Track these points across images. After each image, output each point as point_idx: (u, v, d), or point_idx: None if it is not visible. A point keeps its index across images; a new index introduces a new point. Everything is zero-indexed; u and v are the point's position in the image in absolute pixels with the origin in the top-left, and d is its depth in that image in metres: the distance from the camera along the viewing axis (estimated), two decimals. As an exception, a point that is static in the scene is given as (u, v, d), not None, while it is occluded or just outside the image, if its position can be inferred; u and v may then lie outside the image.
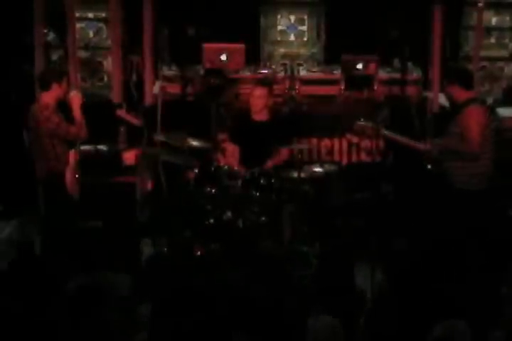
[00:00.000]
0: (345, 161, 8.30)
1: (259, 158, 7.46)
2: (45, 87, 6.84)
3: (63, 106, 6.95)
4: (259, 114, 7.56)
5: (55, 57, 9.15)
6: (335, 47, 9.46)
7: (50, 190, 6.88)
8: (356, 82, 8.81)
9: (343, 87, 8.86)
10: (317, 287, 5.41)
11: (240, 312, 4.92)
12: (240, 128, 7.66)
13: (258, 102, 7.50)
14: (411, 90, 8.87)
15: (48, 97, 6.82)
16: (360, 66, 8.83)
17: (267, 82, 7.85)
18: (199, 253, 6.78)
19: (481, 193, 6.77)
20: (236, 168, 7.40)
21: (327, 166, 7.64)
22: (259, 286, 5.28)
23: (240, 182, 7.26)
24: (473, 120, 6.65)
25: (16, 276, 5.36)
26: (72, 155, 6.88)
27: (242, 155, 7.58)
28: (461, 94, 6.74)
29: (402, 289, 5.52)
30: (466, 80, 6.79)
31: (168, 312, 4.76)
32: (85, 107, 8.22)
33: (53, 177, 6.80)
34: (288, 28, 9.86)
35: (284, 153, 7.59)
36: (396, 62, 9.10)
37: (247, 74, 8.99)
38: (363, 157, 8.29)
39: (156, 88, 8.35)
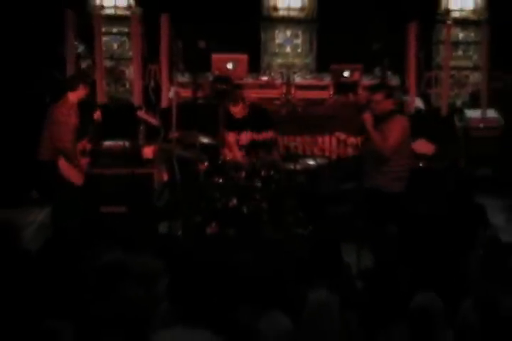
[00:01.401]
0: (334, 156, 8.22)
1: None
2: (72, 87, 6.83)
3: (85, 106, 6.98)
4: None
5: (84, 66, 9.12)
6: (325, 58, 9.47)
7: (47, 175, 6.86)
8: (343, 87, 8.81)
9: (332, 92, 8.85)
10: (312, 264, 5.32)
11: (245, 286, 4.87)
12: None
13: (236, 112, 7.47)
14: (391, 95, 8.82)
15: (73, 96, 6.86)
16: (346, 74, 8.84)
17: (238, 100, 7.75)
18: (210, 233, 6.73)
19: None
20: (239, 157, 7.37)
21: (319, 160, 7.67)
22: (263, 264, 5.22)
23: (243, 173, 7.23)
24: (398, 128, 6.45)
25: (50, 255, 5.30)
26: (81, 145, 6.86)
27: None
28: (387, 104, 6.56)
29: (385, 265, 5.49)
30: (390, 91, 6.68)
31: (183, 287, 4.70)
32: (111, 109, 8.24)
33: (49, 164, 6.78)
34: (285, 41, 9.88)
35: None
36: (377, 71, 9.06)
37: (249, 80, 8.96)
38: (350, 152, 8.23)
39: (171, 92, 8.31)
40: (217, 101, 8.08)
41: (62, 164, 6.80)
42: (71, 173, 6.83)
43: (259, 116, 7.57)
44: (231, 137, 7.52)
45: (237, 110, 7.45)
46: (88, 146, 7.06)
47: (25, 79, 7.73)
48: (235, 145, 7.52)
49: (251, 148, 7.38)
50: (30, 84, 7.45)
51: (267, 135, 7.46)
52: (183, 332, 3.88)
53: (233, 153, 7.50)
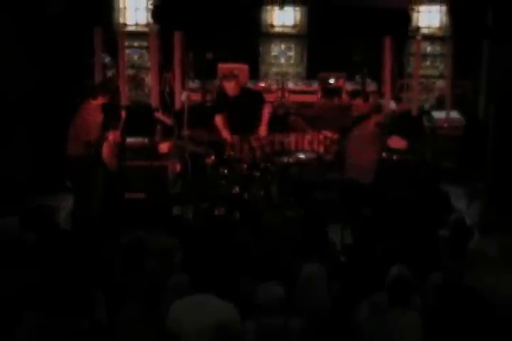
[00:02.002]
0: (321, 150, 8.19)
1: (246, 125, 7.35)
2: (93, 96, 6.85)
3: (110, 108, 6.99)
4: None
5: (109, 74, 9.08)
6: (314, 67, 9.45)
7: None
8: (329, 92, 8.80)
9: (319, 96, 8.82)
10: (303, 242, 5.31)
11: (246, 260, 4.87)
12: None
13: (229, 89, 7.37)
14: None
15: (94, 102, 6.84)
16: (332, 81, 8.84)
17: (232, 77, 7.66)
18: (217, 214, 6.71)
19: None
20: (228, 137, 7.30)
21: (308, 154, 7.62)
22: (261, 241, 5.22)
23: (245, 165, 7.25)
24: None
25: (83, 234, 5.29)
26: (112, 136, 6.84)
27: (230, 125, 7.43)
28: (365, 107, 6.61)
29: (364, 243, 5.46)
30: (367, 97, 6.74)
31: (194, 260, 4.70)
32: (132, 111, 8.21)
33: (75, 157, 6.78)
34: (279, 53, 9.84)
35: (265, 113, 7.42)
36: (358, 78, 9.00)
37: (250, 86, 8.85)
38: (334, 147, 8.19)
39: (183, 96, 8.27)
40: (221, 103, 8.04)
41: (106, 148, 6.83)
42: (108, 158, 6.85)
43: (251, 99, 7.46)
44: (219, 119, 7.42)
45: (231, 86, 7.33)
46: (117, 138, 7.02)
47: (61, 85, 7.70)
48: (225, 126, 7.40)
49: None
50: (65, 89, 7.41)
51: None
52: (198, 299, 3.90)
53: (224, 134, 7.38)
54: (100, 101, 6.87)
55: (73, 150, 6.81)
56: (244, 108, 7.36)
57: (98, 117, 6.84)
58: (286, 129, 8.09)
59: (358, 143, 7.17)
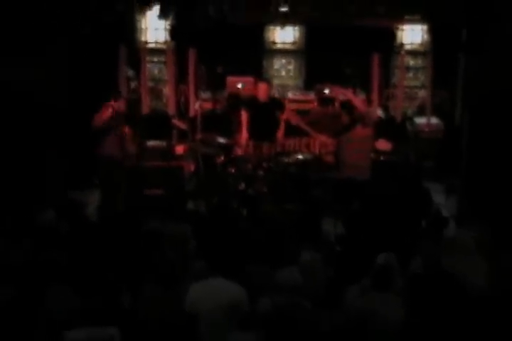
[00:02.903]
0: (317, 152, 8.15)
1: (266, 131, 7.31)
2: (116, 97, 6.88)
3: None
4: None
5: (132, 86, 9.08)
6: (311, 79, 9.47)
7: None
8: (324, 101, 8.74)
9: (315, 104, 8.78)
10: (301, 232, 5.30)
11: (250, 248, 4.86)
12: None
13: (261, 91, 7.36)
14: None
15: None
16: (326, 91, 8.77)
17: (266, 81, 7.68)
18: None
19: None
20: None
21: (306, 155, 7.56)
22: (265, 232, 5.21)
23: (250, 165, 7.23)
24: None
25: (108, 225, 5.30)
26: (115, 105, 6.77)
27: (251, 131, 7.36)
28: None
29: (355, 234, 5.45)
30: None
31: (207, 248, 4.70)
32: (152, 118, 8.21)
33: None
34: (280, 67, 9.83)
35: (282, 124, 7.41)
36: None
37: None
38: (330, 149, 8.12)
39: (197, 105, 8.24)
40: (230, 111, 8.04)
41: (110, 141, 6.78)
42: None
43: (274, 104, 7.47)
44: (244, 115, 7.35)
45: (263, 88, 7.28)
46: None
47: (90, 96, 7.70)
48: (246, 124, 7.33)
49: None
50: (95, 98, 7.40)
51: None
52: (212, 282, 3.90)
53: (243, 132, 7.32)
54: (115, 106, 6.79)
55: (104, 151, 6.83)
56: (268, 113, 7.33)
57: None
58: (287, 133, 8.07)
59: (353, 144, 7.08)
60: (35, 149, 6.88)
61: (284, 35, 9.73)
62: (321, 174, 7.58)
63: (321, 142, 7.69)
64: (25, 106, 6.73)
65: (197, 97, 8.51)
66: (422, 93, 9.46)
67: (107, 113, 6.73)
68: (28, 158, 6.78)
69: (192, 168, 7.70)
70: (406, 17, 9.23)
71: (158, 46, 9.41)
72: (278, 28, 9.62)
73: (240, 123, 7.47)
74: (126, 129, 6.94)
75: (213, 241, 4.91)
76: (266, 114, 7.33)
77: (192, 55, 8.62)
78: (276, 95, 8.92)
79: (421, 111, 9.21)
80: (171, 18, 8.37)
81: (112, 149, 6.84)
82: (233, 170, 7.23)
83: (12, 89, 6.60)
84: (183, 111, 8.81)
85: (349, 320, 3.84)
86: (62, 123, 7.27)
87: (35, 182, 6.80)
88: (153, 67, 9.44)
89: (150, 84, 9.22)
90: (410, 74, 9.62)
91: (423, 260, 4.54)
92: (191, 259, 4.49)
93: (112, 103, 6.81)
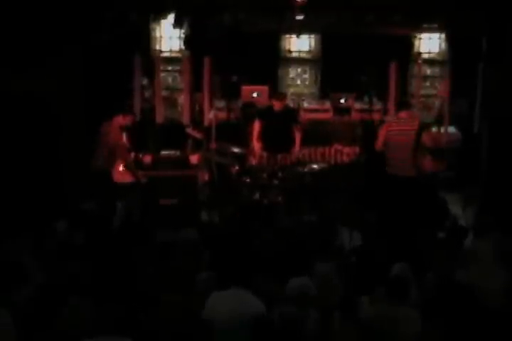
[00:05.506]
0: (333, 161, 8.22)
1: (280, 143, 7.33)
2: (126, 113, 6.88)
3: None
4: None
5: (147, 95, 9.17)
6: (326, 88, 9.49)
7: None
8: (340, 110, 8.80)
9: (331, 114, 8.83)
10: (316, 243, 5.35)
11: (266, 259, 4.91)
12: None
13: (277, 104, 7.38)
14: (375, 116, 8.80)
15: (117, 121, 6.79)
16: (342, 100, 8.86)
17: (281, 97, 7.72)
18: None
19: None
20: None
21: (321, 164, 7.61)
22: (279, 242, 5.25)
23: (265, 174, 7.24)
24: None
25: (124, 234, 5.38)
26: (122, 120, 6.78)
27: (266, 141, 7.39)
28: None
29: (371, 243, 5.49)
30: None
31: (220, 259, 4.76)
32: (166, 127, 8.30)
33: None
34: (296, 76, 9.88)
35: (298, 136, 7.42)
36: (366, 98, 9.01)
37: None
38: (345, 159, 8.23)
39: (211, 114, 8.34)
40: (245, 121, 8.11)
41: (117, 169, 6.79)
42: (124, 175, 6.82)
43: (289, 114, 7.51)
44: (257, 126, 7.38)
45: (279, 102, 7.31)
46: (145, 158, 7.02)
47: (106, 104, 7.80)
48: (259, 136, 7.36)
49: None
50: (110, 106, 7.50)
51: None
52: (232, 292, 3.96)
53: (255, 144, 7.35)
54: (121, 120, 6.79)
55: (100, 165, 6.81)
56: (282, 122, 7.34)
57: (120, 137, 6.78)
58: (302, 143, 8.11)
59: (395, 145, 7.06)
60: (52, 159, 6.99)
61: (300, 44, 9.79)
62: (336, 184, 7.61)
63: (336, 152, 7.69)
64: (42, 117, 6.86)
65: (211, 106, 8.58)
66: (439, 102, 9.47)
67: (113, 126, 6.75)
68: (47, 168, 6.87)
69: (206, 177, 7.75)
70: (423, 25, 9.26)
71: (173, 55, 9.50)
72: (293, 37, 9.67)
73: (254, 132, 7.53)
74: (125, 142, 6.92)
75: (226, 251, 4.97)
76: (281, 123, 7.36)
77: (206, 64, 8.70)
78: (292, 104, 8.98)
79: (438, 120, 9.22)
80: (185, 26, 8.50)
81: (104, 162, 6.80)
82: (248, 180, 7.26)
83: (29, 100, 6.73)
84: (197, 120, 8.87)
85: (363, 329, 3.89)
86: (78, 133, 7.39)
87: (53, 194, 6.89)
88: (167, 76, 9.52)
89: (164, 93, 9.29)
90: (427, 83, 9.64)
91: (436, 271, 4.57)
92: (205, 269, 4.55)
93: (120, 118, 6.82)
